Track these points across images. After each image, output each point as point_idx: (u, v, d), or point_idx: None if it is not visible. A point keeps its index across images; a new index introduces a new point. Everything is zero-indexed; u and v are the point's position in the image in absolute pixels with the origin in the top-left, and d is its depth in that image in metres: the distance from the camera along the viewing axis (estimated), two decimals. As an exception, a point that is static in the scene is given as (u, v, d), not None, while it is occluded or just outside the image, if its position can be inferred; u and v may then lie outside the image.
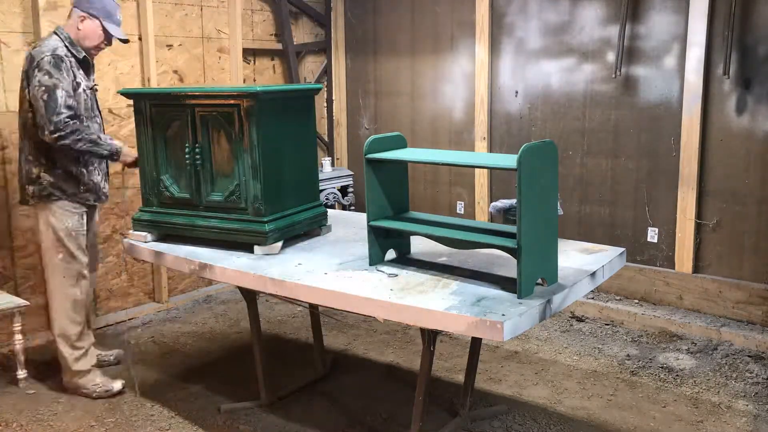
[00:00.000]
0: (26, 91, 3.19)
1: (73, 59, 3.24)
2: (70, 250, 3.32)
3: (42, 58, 3.13)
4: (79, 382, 3.41)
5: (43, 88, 3.10)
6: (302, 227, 3.07)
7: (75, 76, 3.23)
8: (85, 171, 3.33)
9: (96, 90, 3.46)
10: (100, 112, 3.46)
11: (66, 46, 3.23)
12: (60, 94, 3.11)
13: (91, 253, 3.55)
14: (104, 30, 3.31)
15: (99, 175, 3.42)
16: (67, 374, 3.43)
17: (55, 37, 3.26)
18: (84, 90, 3.29)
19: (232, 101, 2.84)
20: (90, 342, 3.50)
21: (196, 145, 2.97)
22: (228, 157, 2.92)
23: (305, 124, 3.13)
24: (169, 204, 3.11)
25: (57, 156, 3.24)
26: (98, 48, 3.37)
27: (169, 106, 3.02)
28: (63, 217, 3.30)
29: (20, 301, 3.53)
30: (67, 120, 3.11)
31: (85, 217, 3.40)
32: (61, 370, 3.46)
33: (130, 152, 3.36)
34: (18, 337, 3.50)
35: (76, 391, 3.42)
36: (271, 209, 2.91)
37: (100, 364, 3.66)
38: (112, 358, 3.80)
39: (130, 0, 4.34)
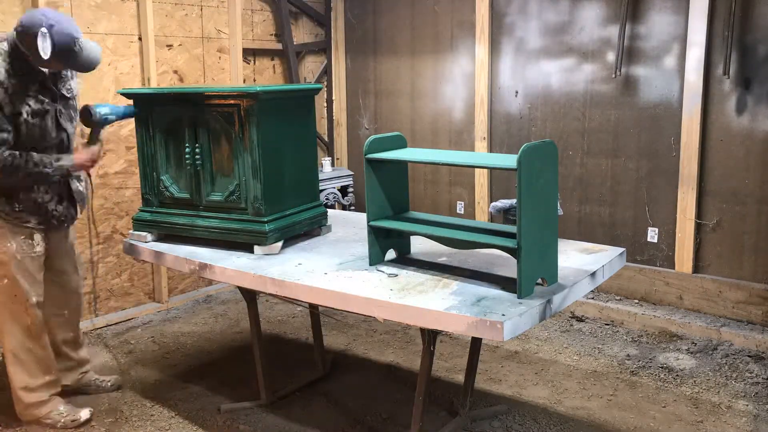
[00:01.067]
0: None
1: (15, 80, 2.78)
2: (12, 276, 2.94)
3: None
4: (36, 412, 3.08)
5: None
6: (302, 227, 3.07)
7: (13, 105, 2.77)
8: (24, 194, 2.92)
9: (59, 108, 2.97)
10: (61, 129, 2.99)
11: (12, 62, 2.79)
12: None
13: (68, 279, 3.24)
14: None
15: (47, 193, 2.98)
16: (19, 404, 3.08)
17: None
18: (27, 117, 2.82)
19: (232, 101, 2.84)
20: (51, 375, 3.12)
21: (196, 145, 2.96)
22: (228, 157, 2.92)
23: (305, 124, 3.13)
24: (169, 204, 3.11)
25: None
26: (47, 68, 2.93)
27: (170, 106, 3.01)
28: (5, 233, 2.91)
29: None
30: (3, 158, 2.75)
31: (37, 239, 2.98)
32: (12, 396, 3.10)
33: (79, 157, 2.99)
34: (18, 337, 3.49)
35: (34, 422, 3.09)
36: (271, 209, 2.91)
37: (94, 389, 3.42)
38: (109, 384, 3.46)
39: (130, 0, 4.34)
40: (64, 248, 3.21)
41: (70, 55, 2.79)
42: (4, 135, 2.77)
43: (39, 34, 2.71)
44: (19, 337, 3.01)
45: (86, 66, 2.87)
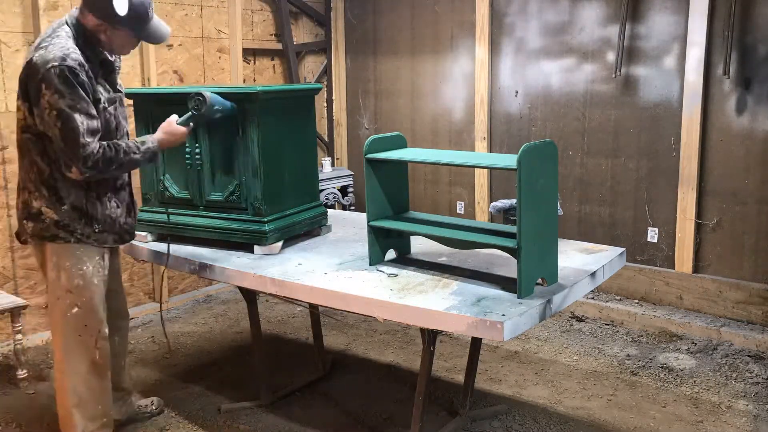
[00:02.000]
0: (25, 105, 2.46)
1: (89, 65, 2.46)
2: (89, 303, 2.60)
3: (48, 70, 2.35)
4: None
5: (55, 112, 2.36)
6: (302, 227, 3.07)
7: (94, 91, 2.49)
8: (98, 205, 2.59)
9: (121, 98, 2.73)
10: (126, 121, 2.77)
11: (79, 46, 2.46)
12: (79, 120, 2.38)
13: (117, 301, 2.96)
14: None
15: (119, 207, 2.68)
16: None
17: (64, 32, 2.45)
18: (105, 104, 2.56)
19: (233, 101, 2.84)
20: (108, 416, 2.79)
21: (196, 145, 2.96)
22: (228, 157, 2.92)
23: (305, 124, 3.13)
24: (169, 204, 3.10)
25: (62, 186, 2.52)
26: (121, 52, 2.69)
27: (170, 106, 3.00)
28: (81, 256, 2.57)
29: (20, 301, 3.53)
30: (97, 151, 2.43)
31: (106, 259, 2.68)
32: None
33: (165, 134, 2.68)
34: (18, 337, 3.50)
35: None
36: (271, 209, 2.91)
37: (141, 416, 3.17)
38: (154, 408, 3.21)
39: (130, 0, 4.34)
40: (116, 265, 2.94)
41: (144, 21, 2.52)
42: (95, 123, 2.44)
43: None
44: (83, 374, 2.63)
45: (159, 36, 2.61)
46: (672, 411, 3.23)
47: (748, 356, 3.74)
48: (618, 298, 4.48)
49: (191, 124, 2.77)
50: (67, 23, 2.50)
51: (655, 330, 4.13)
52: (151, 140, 2.65)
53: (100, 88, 2.54)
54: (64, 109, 2.36)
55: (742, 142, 3.98)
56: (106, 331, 2.68)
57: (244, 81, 5.14)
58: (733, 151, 4.02)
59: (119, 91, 2.71)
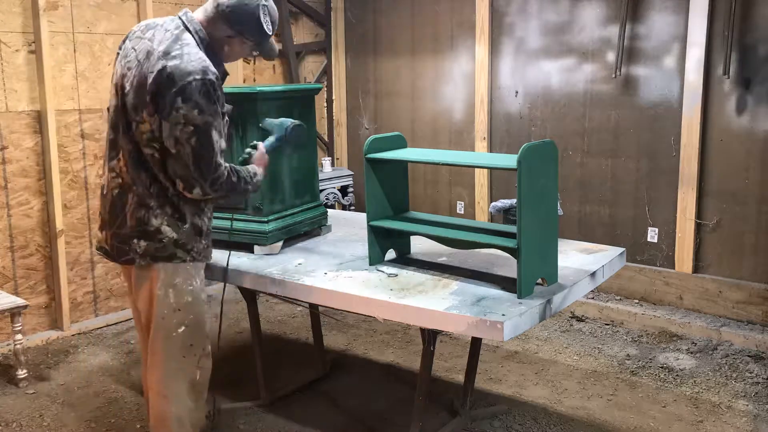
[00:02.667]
0: (154, 118, 2.21)
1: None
2: (196, 319, 2.42)
3: (189, 82, 2.16)
4: None
5: (191, 128, 2.17)
6: (302, 227, 3.07)
7: (222, 105, 2.29)
8: (207, 220, 2.45)
9: (229, 115, 2.49)
10: None
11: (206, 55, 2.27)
12: (215, 138, 2.21)
13: None
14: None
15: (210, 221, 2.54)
16: None
17: (190, 38, 2.27)
18: (227, 120, 2.38)
19: (233, 101, 2.82)
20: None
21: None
22: (228, 156, 2.91)
23: (305, 124, 3.11)
24: None
25: (184, 204, 2.34)
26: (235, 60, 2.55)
27: None
28: (191, 271, 2.40)
29: (20, 301, 3.53)
30: (225, 174, 2.28)
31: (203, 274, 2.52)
32: None
33: (260, 166, 2.55)
34: (18, 337, 3.50)
35: None
36: (271, 209, 2.91)
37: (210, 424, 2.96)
38: (213, 411, 2.99)
39: (131, 0, 4.34)
40: None
41: (269, 36, 2.40)
42: (224, 143, 2.28)
43: (260, 7, 2.31)
44: (183, 397, 2.43)
45: (274, 51, 2.50)
46: (672, 411, 3.23)
47: (748, 356, 3.74)
48: (618, 298, 4.48)
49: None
50: (186, 28, 2.30)
51: (655, 330, 4.13)
52: (259, 172, 2.50)
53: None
54: (202, 126, 2.17)
55: (742, 142, 3.98)
56: (209, 348, 2.50)
57: (244, 81, 5.14)
58: (733, 151, 4.02)
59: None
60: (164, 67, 2.17)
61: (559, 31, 4.58)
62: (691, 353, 3.84)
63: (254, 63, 5.28)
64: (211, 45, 2.33)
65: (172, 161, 2.24)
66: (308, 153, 3.17)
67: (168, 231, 2.31)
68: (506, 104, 4.90)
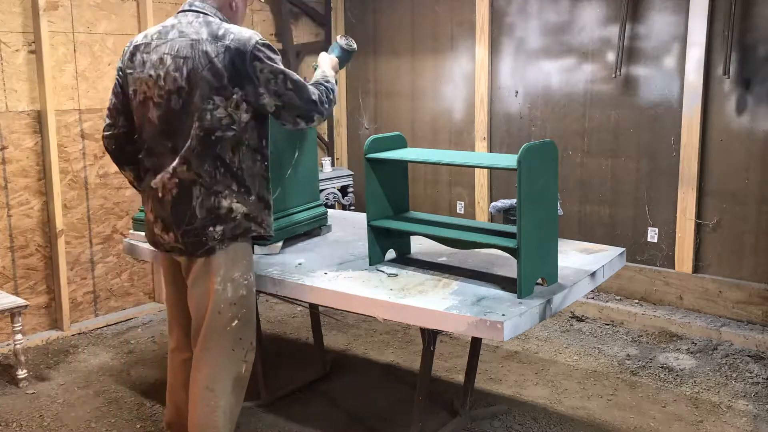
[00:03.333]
0: (230, 99, 2.30)
1: None
2: (249, 313, 2.47)
3: (255, 46, 2.30)
4: None
5: (282, 75, 2.33)
6: (303, 227, 3.07)
7: None
8: (269, 193, 2.53)
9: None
10: None
11: None
12: (295, 73, 2.40)
13: None
14: None
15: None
16: None
17: (216, 20, 2.40)
18: None
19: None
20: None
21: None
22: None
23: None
24: None
25: (247, 177, 2.41)
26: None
27: None
28: (247, 266, 2.46)
29: (20, 301, 3.53)
30: (319, 92, 2.44)
31: None
32: None
33: (328, 70, 2.67)
34: (18, 337, 3.50)
35: None
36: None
37: None
38: None
39: (130, 0, 4.34)
40: None
41: None
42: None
43: None
44: (228, 391, 2.46)
45: None
46: (672, 411, 3.23)
47: (748, 356, 3.74)
48: (618, 298, 4.48)
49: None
50: (211, 17, 2.39)
51: (655, 330, 4.14)
52: (330, 74, 2.63)
53: None
54: (285, 70, 2.35)
55: (742, 142, 3.98)
56: (255, 341, 2.55)
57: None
58: (733, 151, 4.02)
59: None
60: (227, 47, 2.28)
61: (559, 31, 4.58)
62: (691, 353, 3.84)
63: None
64: (231, 17, 2.47)
65: (284, 113, 2.38)
66: (308, 153, 3.16)
67: (239, 207, 2.38)
68: (506, 104, 4.90)
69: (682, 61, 4.11)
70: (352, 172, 5.68)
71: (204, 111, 2.29)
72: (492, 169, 4.80)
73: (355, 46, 2.88)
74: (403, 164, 2.73)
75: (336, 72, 2.72)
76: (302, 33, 5.67)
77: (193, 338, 2.49)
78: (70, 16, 4.07)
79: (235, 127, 2.33)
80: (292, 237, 3.03)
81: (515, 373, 3.65)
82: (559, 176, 2.46)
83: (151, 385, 3.54)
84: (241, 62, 2.27)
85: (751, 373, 3.58)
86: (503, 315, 2.12)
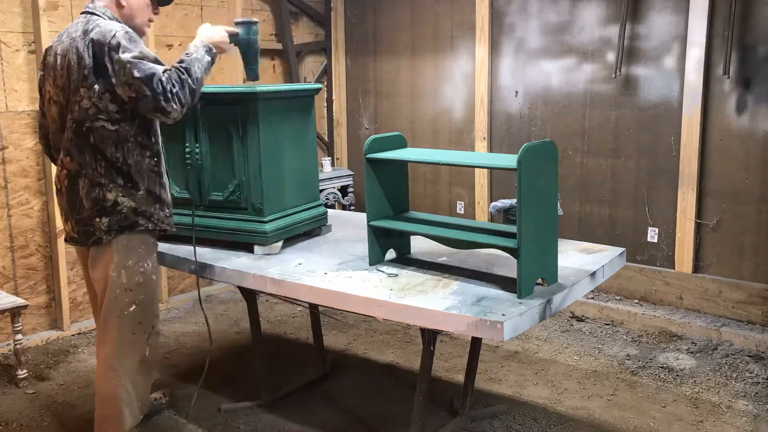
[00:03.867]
0: (93, 88, 2.41)
1: None
2: (147, 299, 2.62)
3: (114, 36, 2.38)
4: None
5: (128, 65, 2.35)
6: (303, 227, 3.07)
7: None
8: (164, 189, 2.65)
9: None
10: None
11: None
12: (150, 57, 2.40)
13: None
14: None
15: (168, 193, 2.71)
16: None
17: (99, 18, 2.50)
18: None
19: (233, 101, 2.84)
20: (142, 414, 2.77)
21: (197, 144, 2.96)
22: (228, 156, 2.92)
23: (305, 124, 3.12)
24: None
25: (135, 172, 2.53)
26: (148, 24, 2.70)
27: None
28: (143, 254, 2.59)
29: (20, 301, 3.53)
30: (174, 78, 2.40)
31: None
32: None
33: (213, 41, 2.64)
34: (18, 337, 3.50)
35: None
36: (271, 209, 2.91)
37: (155, 412, 3.20)
38: (163, 401, 3.27)
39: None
40: None
41: None
42: (158, 65, 2.44)
43: None
44: (130, 372, 2.61)
45: None
46: (672, 411, 3.23)
47: (748, 356, 3.74)
48: (618, 298, 4.48)
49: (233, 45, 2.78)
50: (94, 14, 2.52)
51: (655, 330, 4.13)
52: (200, 43, 2.58)
53: None
54: (134, 60, 2.36)
55: (742, 142, 3.98)
56: (159, 326, 2.71)
57: (244, 81, 5.13)
58: (733, 151, 4.02)
59: None
60: (90, 39, 2.40)
61: (559, 31, 4.58)
62: (691, 353, 3.84)
63: (254, 63, 5.28)
64: (122, 15, 2.58)
65: (140, 105, 2.40)
66: (308, 153, 3.16)
67: (125, 201, 2.51)
68: (506, 104, 4.90)
69: (682, 61, 4.11)
70: (352, 172, 5.68)
71: (73, 103, 2.46)
72: (492, 169, 4.80)
73: (255, 19, 2.85)
74: (403, 164, 2.73)
75: (220, 48, 2.67)
76: (302, 33, 5.67)
77: (95, 317, 2.71)
78: (70, 16, 4.07)
79: (103, 117, 2.44)
80: (292, 237, 3.04)
81: (515, 373, 3.65)
82: (559, 176, 2.46)
83: (152, 384, 3.54)
84: (100, 53, 2.39)
85: (751, 373, 3.58)
86: (503, 315, 2.12)
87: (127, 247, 2.54)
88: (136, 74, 2.35)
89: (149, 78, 2.35)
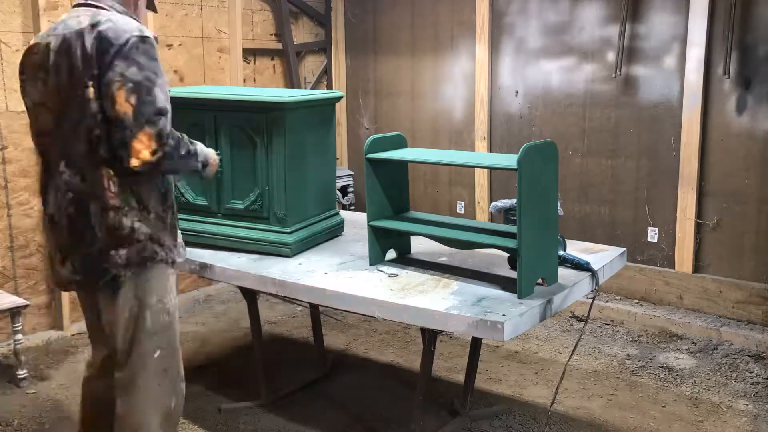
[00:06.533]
0: (86, 90, 2.01)
1: None
2: (172, 340, 2.20)
3: (127, 41, 2.00)
4: None
5: (131, 85, 1.97)
6: (323, 237, 3.00)
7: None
8: (172, 216, 2.22)
9: None
10: None
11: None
12: (158, 95, 2.01)
13: None
14: None
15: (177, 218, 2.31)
16: None
17: (115, 12, 2.13)
18: None
19: (258, 110, 2.76)
20: None
21: (218, 152, 2.72)
22: (251, 164, 2.83)
23: (326, 132, 3.04)
24: (183, 210, 2.96)
25: (143, 190, 2.10)
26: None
27: (189, 111, 2.86)
28: (165, 289, 2.16)
29: (20, 301, 3.53)
30: (170, 132, 2.03)
31: None
32: None
33: (211, 157, 2.31)
34: (18, 337, 3.50)
35: None
36: (294, 219, 2.84)
37: None
38: None
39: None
40: None
41: None
42: (168, 105, 2.05)
43: None
44: (154, 428, 2.18)
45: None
46: (672, 411, 3.23)
47: (748, 356, 3.74)
48: (618, 298, 4.48)
49: None
50: (104, 8, 2.14)
51: (655, 330, 4.14)
52: (207, 161, 2.27)
53: None
54: (143, 83, 1.99)
55: (742, 142, 3.98)
56: (183, 370, 2.27)
57: (244, 81, 5.14)
58: (733, 151, 4.02)
59: None
60: (99, 32, 2.00)
61: (559, 31, 4.58)
62: (691, 353, 3.84)
63: (254, 63, 5.29)
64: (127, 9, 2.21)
65: (113, 131, 1.98)
66: (328, 161, 3.08)
67: (140, 227, 2.08)
68: (506, 104, 4.90)
69: (682, 61, 4.11)
70: (352, 172, 5.67)
71: (80, 105, 2.06)
72: (492, 169, 4.80)
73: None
74: (403, 164, 2.73)
75: (211, 168, 2.31)
76: (302, 33, 5.67)
77: (112, 362, 2.21)
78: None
79: (98, 125, 2.03)
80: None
81: (515, 373, 3.65)
82: (559, 176, 2.46)
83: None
84: (104, 51, 2.00)
85: (751, 373, 3.58)
86: (503, 315, 2.12)
87: (149, 282, 2.12)
88: (131, 100, 1.97)
89: (140, 109, 1.97)
